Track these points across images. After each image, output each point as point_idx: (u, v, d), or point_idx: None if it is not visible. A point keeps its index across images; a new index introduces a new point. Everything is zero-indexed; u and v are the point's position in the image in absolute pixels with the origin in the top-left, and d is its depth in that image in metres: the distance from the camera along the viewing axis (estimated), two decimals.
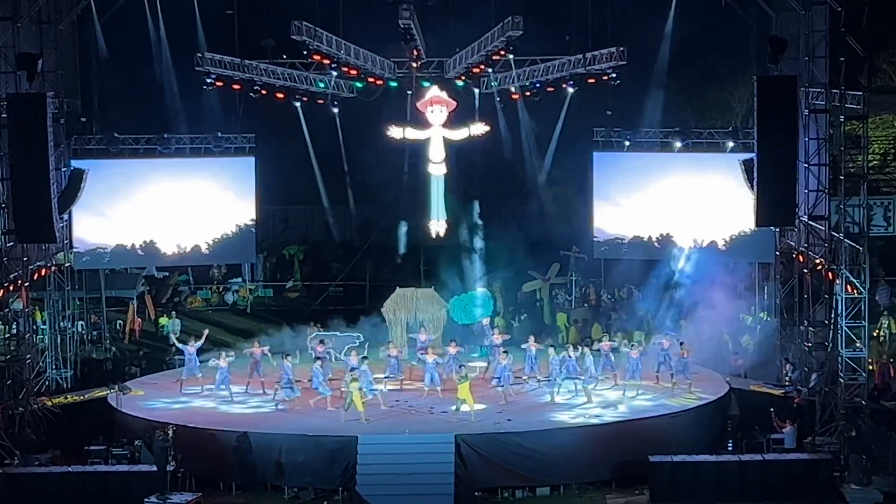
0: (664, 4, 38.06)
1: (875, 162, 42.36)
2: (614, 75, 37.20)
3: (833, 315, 30.65)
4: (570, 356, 31.94)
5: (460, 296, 37.79)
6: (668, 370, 32.54)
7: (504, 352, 32.95)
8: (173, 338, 35.05)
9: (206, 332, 34.96)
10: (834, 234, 30.92)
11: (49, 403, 32.37)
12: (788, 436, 29.97)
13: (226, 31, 37.83)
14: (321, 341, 34.71)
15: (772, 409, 30.63)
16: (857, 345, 29.79)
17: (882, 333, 36.15)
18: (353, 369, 31.35)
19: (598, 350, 33.12)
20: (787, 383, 32.84)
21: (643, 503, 28.36)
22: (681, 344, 32.75)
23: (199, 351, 33.31)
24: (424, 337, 34.56)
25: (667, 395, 31.96)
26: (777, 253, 36.11)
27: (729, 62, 39.60)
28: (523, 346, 33.19)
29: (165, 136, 38.79)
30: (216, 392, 32.31)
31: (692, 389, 32.10)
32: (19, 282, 32.17)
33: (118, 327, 40.03)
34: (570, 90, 38.36)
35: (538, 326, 38.75)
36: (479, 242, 40.03)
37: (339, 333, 36.83)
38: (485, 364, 34.45)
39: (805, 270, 32.33)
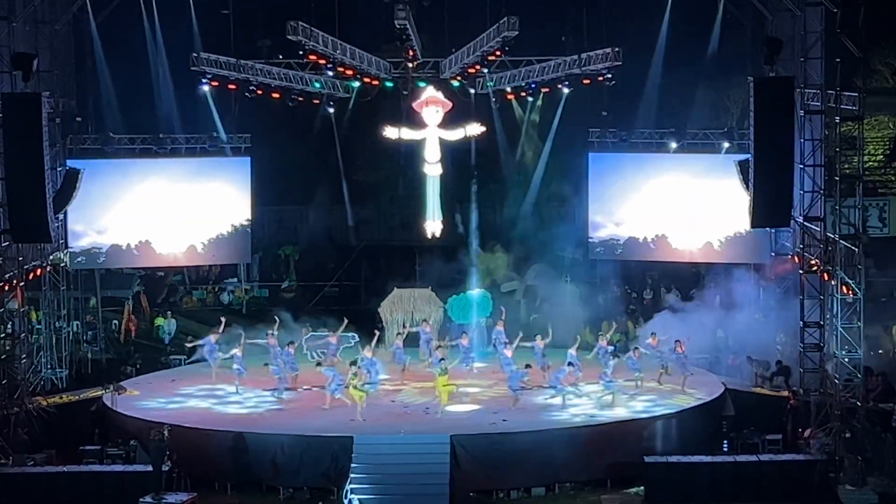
0: (659, 5, 38.10)
1: (871, 163, 42.35)
2: (609, 76, 37.26)
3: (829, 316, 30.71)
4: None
5: (458, 295, 37.76)
6: (661, 363, 32.66)
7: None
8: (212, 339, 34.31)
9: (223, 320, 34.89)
10: (829, 235, 30.95)
11: (44, 403, 32.33)
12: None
13: (221, 31, 37.76)
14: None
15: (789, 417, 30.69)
16: (853, 346, 29.84)
17: None
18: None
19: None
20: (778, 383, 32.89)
21: (638, 503, 28.43)
22: (676, 341, 32.70)
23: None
24: (429, 329, 35.01)
25: (663, 395, 32.02)
26: (773, 254, 36.13)
27: (724, 63, 39.58)
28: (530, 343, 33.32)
29: (161, 136, 38.73)
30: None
31: (685, 389, 32.12)
32: (14, 281, 32.12)
33: (113, 327, 39.95)
34: (566, 91, 38.41)
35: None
36: (474, 242, 39.93)
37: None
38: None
39: (801, 271, 32.33)
